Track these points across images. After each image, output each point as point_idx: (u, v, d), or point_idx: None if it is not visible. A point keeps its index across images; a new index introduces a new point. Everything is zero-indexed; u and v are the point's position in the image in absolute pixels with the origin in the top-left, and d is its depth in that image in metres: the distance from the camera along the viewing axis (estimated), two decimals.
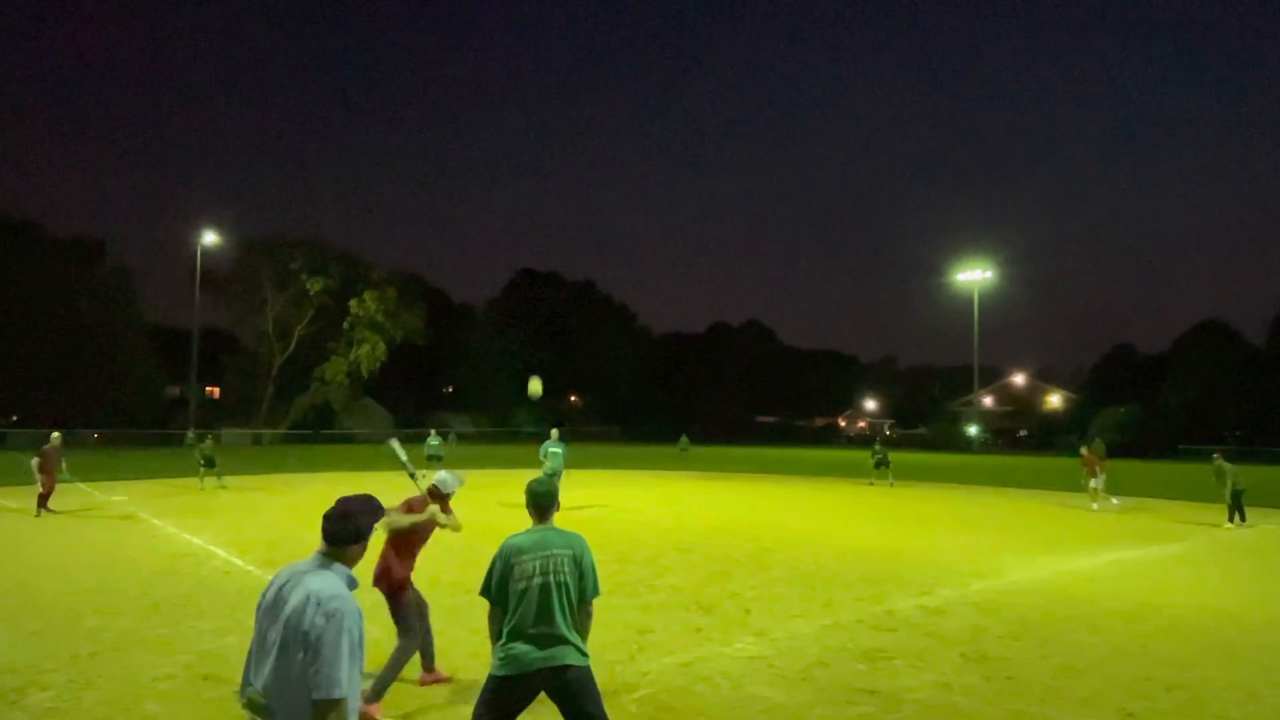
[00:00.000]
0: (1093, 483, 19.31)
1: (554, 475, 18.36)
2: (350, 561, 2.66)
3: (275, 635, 2.49)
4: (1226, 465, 16.07)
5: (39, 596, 8.38)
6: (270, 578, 2.67)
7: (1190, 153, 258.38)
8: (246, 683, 2.56)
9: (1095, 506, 18.86)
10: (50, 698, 5.35)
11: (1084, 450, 20.04)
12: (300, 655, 2.41)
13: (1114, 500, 19.52)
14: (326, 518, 2.67)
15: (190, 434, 18.70)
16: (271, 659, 2.47)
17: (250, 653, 2.59)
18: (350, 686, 2.42)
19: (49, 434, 16.99)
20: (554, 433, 19.05)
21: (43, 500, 15.19)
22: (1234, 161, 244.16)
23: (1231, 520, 15.70)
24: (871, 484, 25.37)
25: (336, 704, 2.37)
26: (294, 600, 2.49)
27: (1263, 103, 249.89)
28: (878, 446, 27.47)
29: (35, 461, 15.39)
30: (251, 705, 2.51)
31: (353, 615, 2.47)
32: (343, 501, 2.73)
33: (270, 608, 2.55)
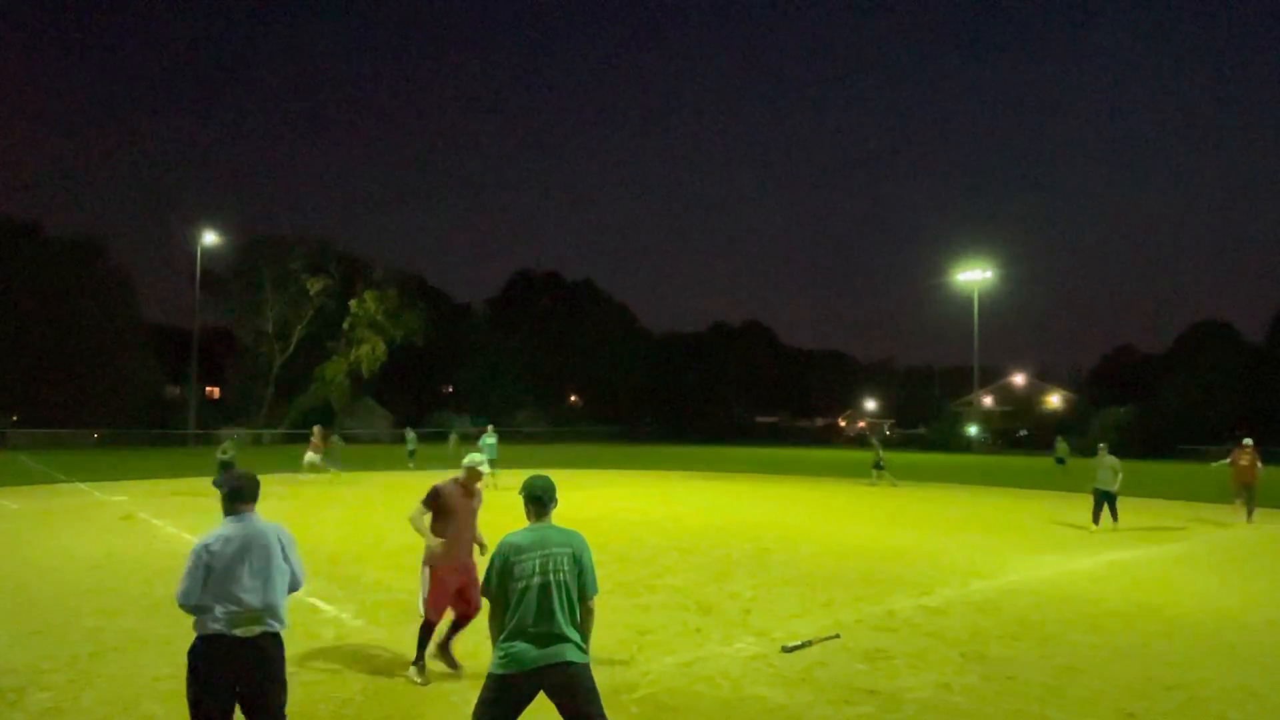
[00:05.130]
0: (308, 457, 22.79)
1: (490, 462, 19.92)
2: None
3: (261, 565, 3.71)
4: (1112, 459, 14.74)
5: (39, 596, 8.38)
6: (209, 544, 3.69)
7: (1190, 152, 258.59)
8: (235, 606, 3.59)
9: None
10: (50, 698, 5.35)
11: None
12: (282, 565, 3.80)
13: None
14: (244, 486, 3.89)
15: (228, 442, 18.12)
16: (265, 579, 3.70)
17: (218, 593, 3.61)
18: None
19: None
20: (489, 428, 22.08)
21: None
22: (1234, 161, 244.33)
23: (1097, 522, 14.40)
24: (873, 484, 25.24)
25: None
26: (263, 539, 3.77)
27: (1263, 102, 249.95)
28: (877, 446, 27.57)
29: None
30: (249, 618, 3.59)
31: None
32: (243, 477, 3.94)
33: (240, 554, 3.68)
